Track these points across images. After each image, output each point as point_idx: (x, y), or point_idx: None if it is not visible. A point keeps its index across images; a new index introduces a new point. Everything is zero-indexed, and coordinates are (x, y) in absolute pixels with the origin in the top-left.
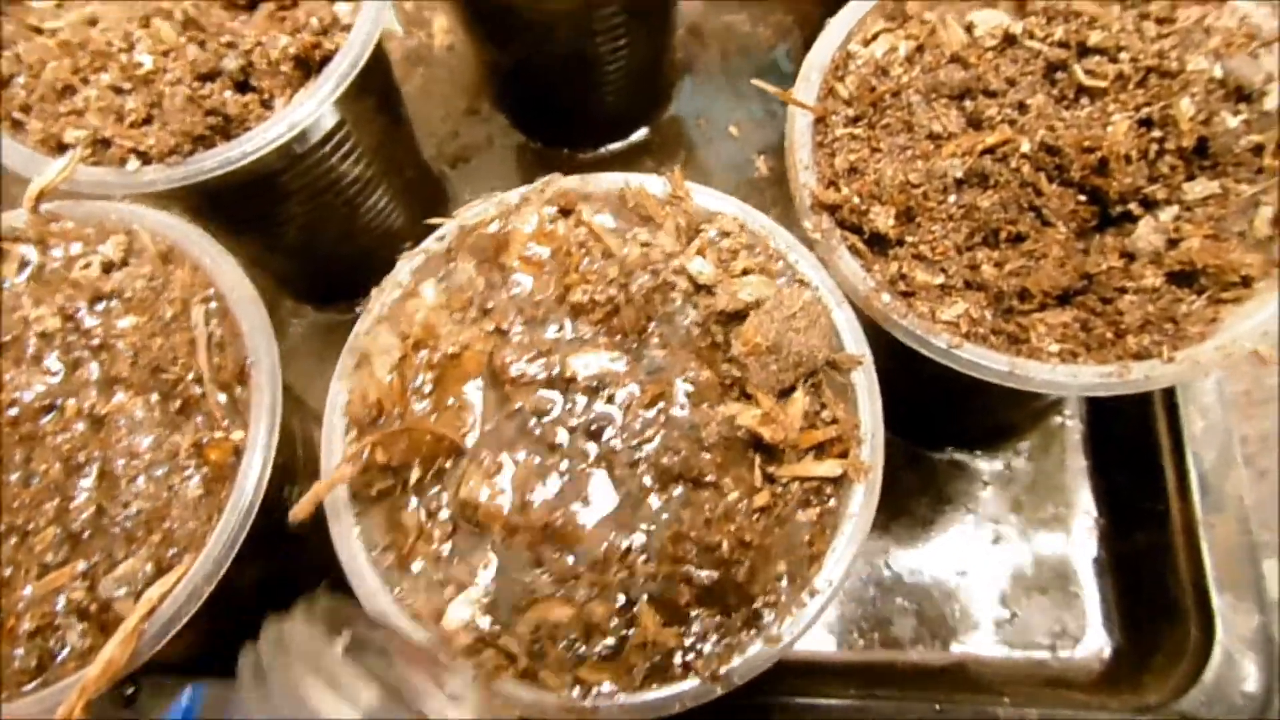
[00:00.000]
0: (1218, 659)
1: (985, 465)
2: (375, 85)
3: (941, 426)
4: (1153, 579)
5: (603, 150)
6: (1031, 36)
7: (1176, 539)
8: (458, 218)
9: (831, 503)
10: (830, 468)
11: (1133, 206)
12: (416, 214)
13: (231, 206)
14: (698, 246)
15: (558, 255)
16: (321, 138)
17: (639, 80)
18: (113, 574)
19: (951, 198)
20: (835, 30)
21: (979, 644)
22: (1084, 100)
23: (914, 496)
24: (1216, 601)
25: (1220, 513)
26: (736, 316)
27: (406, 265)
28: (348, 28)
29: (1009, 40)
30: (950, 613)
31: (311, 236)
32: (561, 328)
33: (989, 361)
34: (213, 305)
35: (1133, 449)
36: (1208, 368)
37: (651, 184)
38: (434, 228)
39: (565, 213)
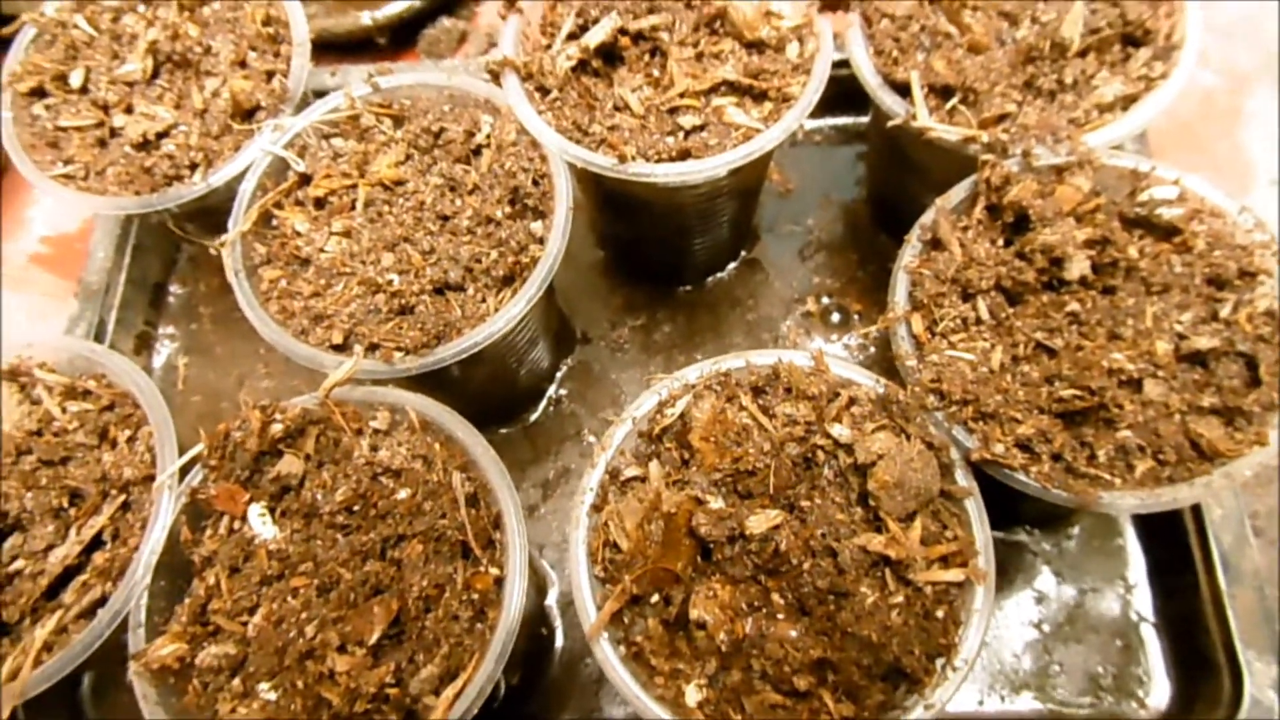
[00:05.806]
0: (1248, 704)
1: (1046, 545)
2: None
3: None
4: (1191, 640)
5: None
6: None
7: (1207, 607)
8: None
9: (958, 600)
10: (954, 574)
11: None
12: (556, 355)
13: (441, 375)
14: (835, 413)
15: (728, 435)
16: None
17: (731, 233)
18: (418, 676)
19: None
20: None
21: (1054, 697)
22: None
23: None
24: (1243, 657)
25: (1240, 585)
26: (869, 465)
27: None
28: (542, 241)
29: None
30: (1026, 672)
31: (488, 387)
32: (735, 491)
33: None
34: (469, 472)
35: (1167, 531)
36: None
37: (799, 359)
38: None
39: (729, 399)
